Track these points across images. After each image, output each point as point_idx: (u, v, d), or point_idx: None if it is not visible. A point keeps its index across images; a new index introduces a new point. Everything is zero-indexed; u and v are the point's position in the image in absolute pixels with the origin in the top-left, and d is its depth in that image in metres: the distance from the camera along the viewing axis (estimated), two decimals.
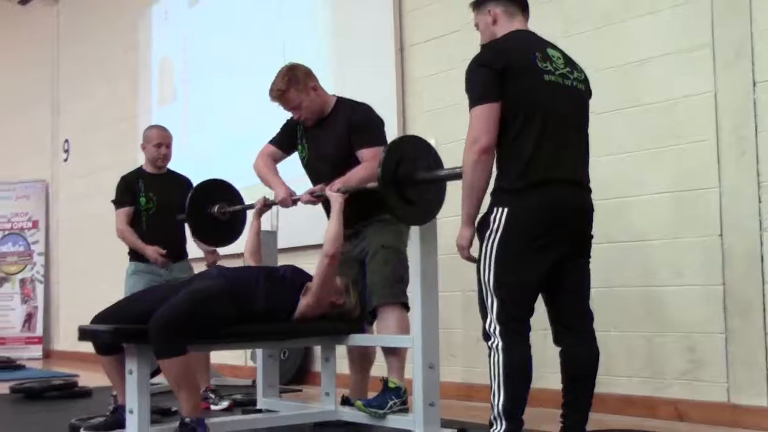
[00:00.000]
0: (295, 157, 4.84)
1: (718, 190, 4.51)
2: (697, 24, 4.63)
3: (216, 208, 5.12)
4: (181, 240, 5.79)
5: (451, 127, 5.29)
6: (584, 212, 3.28)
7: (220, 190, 5.22)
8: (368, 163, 4.30)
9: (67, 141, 11.23)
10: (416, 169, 3.71)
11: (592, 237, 3.36)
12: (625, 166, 4.89)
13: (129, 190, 5.68)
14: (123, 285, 5.73)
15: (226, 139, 8.09)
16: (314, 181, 4.69)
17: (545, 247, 3.14)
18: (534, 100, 3.17)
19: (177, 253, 5.73)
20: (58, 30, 11.53)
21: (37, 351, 11.32)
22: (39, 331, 11.48)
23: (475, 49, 3.45)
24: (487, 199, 3.29)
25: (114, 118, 10.14)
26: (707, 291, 4.54)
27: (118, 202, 5.73)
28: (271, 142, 4.88)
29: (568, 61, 3.37)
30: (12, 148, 12.68)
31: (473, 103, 3.19)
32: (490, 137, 3.14)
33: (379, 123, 4.57)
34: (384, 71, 6.41)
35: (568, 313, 3.35)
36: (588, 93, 3.44)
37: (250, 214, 5.04)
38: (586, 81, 3.43)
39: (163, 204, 5.67)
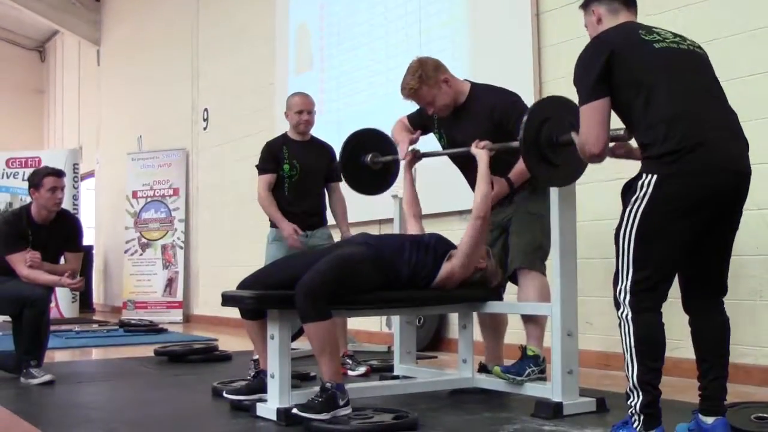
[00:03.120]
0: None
1: None
2: None
3: (369, 158, 5.03)
4: (321, 207, 5.83)
5: None
6: (739, 176, 3.12)
7: (373, 140, 5.12)
8: None
9: (206, 110, 11.46)
10: (561, 130, 3.63)
11: (743, 204, 3.21)
12: None
13: (272, 156, 5.72)
14: (261, 251, 5.80)
15: (363, 106, 8.13)
16: (459, 168, 4.70)
17: (692, 217, 3.04)
18: (651, 68, 3.10)
19: (317, 220, 5.76)
20: (197, 0, 11.73)
21: (177, 315, 11.67)
22: (179, 295, 11.81)
23: None
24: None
25: (252, 86, 10.29)
26: None
27: (260, 168, 5.76)
28: (408, 116, 4.89)
29: (677, 35, 3.27)
30: (154, 117, 13.06)
31: (580, 101, 3.17)
32: (599, 144, 3.13)
33: (524, 104, 4.49)
34: (521, 36, 6.32)
35: (703, 284, 3.24)
36: (708, 59, 3.30)
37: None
38: (702, 49, 3.30)
39: (306, 171, 5.70)
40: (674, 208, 3.00)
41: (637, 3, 3.42)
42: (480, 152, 4.20)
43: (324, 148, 5.91)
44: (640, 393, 3.00)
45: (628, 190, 3.12)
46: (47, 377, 5.22)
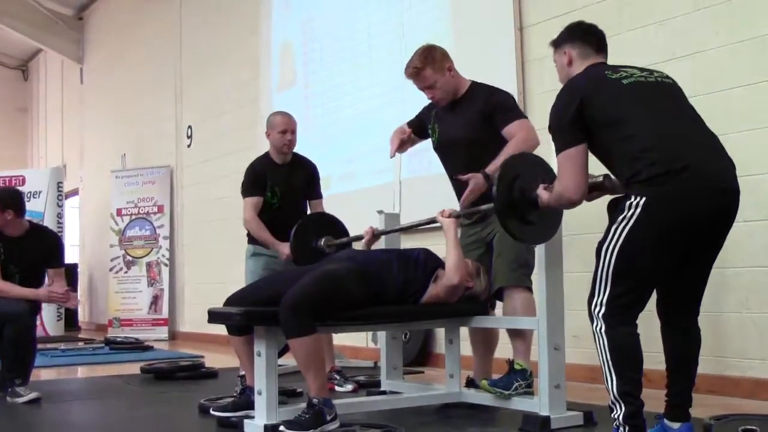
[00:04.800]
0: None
1: None
2: None
3: (322, 242, 5.08)
4: None
5: None
6: (729, 193, 3.09)
7: (325, 224, 5.22)
8: (520, 135, 4.29)
9: (190, 127, 11.45)
10: (533, 188, 3.52)
11: (732, 224, 3.21)
12: (759, 142, 4.70)
13: (258, 181, 5.62)
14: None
15: (346, 123, 8.14)
16: (445, 165, 4.69)
17: (678, 241, 3.04)
18: (623, 103, 3.14)
19: None
20: (180, 18, 11.75)
21: (162, 332, 11.63)
22: (165, 313, 11.79)
23: None
24: None
25: (235, 103, 10.30)
26: None
27: (246, 192, 5.66)
28: (408, 121, 4.93)
29: (644, 69, 3.33)
30: (138, 135, 13.05)
31: (557, 150, 3.22)
32: (579, 191, 3.19)
33: (515, 103, 4.58)
34: (503, 51, 6.34)
35: (681, 300, 3.25)
36: (679, 88, 3.33)
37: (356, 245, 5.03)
38: (671, 79, 3.34)
39: (286, 194, 5.63)
40: (661, 231, 3.00)
41: (607, 48, 3.47)
42: (445, 221, 4.23)
43: (305, 166, 5.84)
44: (622, 405, 3.02)
45: (615, 207, 3.12)
46: (33, 395, 5.18)
